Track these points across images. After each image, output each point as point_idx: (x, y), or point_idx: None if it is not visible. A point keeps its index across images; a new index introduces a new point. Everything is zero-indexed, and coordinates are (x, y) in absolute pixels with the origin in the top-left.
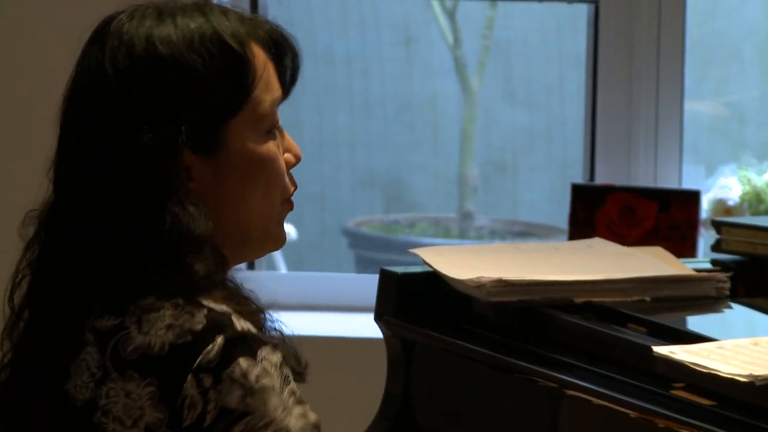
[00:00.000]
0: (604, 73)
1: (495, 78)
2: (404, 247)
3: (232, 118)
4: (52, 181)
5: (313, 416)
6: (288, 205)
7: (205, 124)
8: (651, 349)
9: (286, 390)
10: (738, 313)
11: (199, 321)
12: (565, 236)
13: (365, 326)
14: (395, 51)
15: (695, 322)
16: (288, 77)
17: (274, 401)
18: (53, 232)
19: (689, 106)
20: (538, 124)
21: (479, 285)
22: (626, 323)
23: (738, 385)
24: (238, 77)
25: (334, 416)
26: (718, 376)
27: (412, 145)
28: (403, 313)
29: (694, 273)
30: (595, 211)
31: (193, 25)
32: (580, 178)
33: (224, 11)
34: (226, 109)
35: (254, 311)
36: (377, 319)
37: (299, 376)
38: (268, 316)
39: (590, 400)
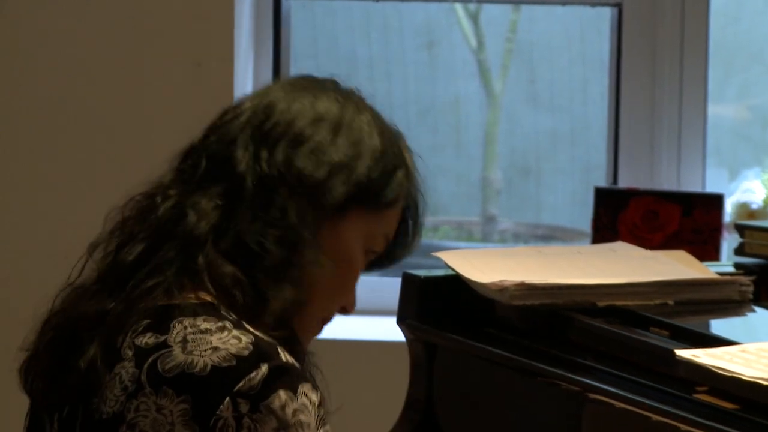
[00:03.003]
0: (627, 76)
1: (518, 81)
2: (427, 251)
3: (363, 206)
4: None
5: None
6: (323, 325)
7: (345, 193)
8: (674, 353)
9: (322, 430)
10: (761, 316)
11: (245, 347)
12: (588, 240)
13: (388, 329)
14: (418, 54)
15: (718, 326)
16: (402, 235)
17: None
18: (161, 195)
19: (712, 109)
20: (562, 128)
21: (502, 288)
22: (649, 327)
23: (761, 388)
24: (388, 184)
25: (357, 419)
26: (741, 379)
27: (435, 148)
28: (425, 316)
29: (717, 276)
30: (618, 215)
31: (384, 125)
32: (603, 182)
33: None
34: (365, 193)
35: (298, 350)
36: (399, 322)
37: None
38: (309, 358)
39: (613, 404)
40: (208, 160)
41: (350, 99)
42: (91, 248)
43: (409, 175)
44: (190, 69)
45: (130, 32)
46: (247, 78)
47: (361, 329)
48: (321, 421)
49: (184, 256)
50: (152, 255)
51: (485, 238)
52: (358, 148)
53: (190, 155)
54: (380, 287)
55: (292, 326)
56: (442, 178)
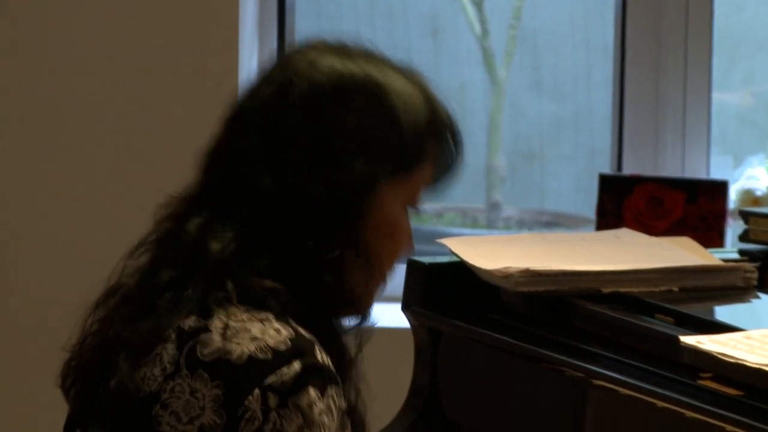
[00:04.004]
0: (631, 62)
1: (522, 68)
2: (432, 237)
3: (398, 175)
4: (206, 173)
5: None
6: (385, 282)
7: (370, 174)
8: (678, 339)
9: None
10: (765, 303)
11: (283, 341)
12: (593, 226)
13: (392, 316)
14: (422, 42)
15: (723, 312)
16: (440, 174)
17: None
18: (191, 221)
19: (717, 96)
20: (566, 114)
21: (507, 275)
22: (654, 313)
23: (765, 375)
24: (422, 145)
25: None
26: (746, 366)
27: None
28: (430, 303)
29: (721, 263)
30: (623, 202)
31: (404, 79)
32: (607, 169)
33: (427, 85)
34: (399, 165)
35: (340, 352)
36: (404, 308)
37: (355, 428)
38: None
39: (617, 390)
40: (226, 176)
41: (366, 60)
42: (131, 253)
43: (438, 121)
44: (195, 57)
45: (134, 20)
46: (251, 66)
47: None
48: (343, 426)
49: (212, 282)
50: (182, 280)
51: (490, 225)
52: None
53: (213, 166)
54: None
55: (336, 324)
56: None
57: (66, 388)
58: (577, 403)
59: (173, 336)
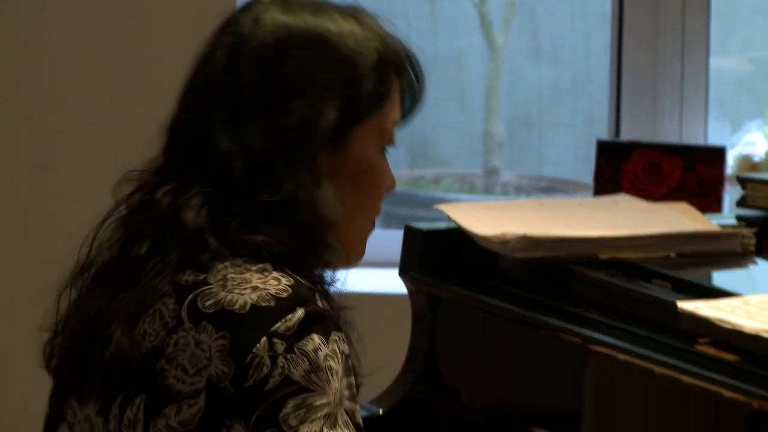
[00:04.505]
0: (629, 29)
1: (520, 34)
2: (429, 203)
3: (363, 121)
4: (168, 144)
5: (359, 418)
6: (372, 227)
7: (340, 120)
8: (676, 305)
9: (346, 381)
10: (763, 268)
11: (284, 289)
12: (591, 192)
13: (390, 282)
14: (421, 8)
15: (720, 278)
16: (408, 105)
17: (334, 385)
18: (160, 190)
19: (715, 62)
20: (564, 81)
21: (504, 241)
22: (651, 279)
23: (762, 340)
24: (381, 83)
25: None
26: (743, 331)
27: (438, 101)
28: (427, 269)
29: (719, 229)
30: (621, 168)
31: (351, 22)
32: (605, 135)
33: (377, 22)
34: (362, 109)
35: (333, 302)
36: (402, 274)
37: (356, 375)
38: (344, 316)
39: (615, 356)
40: (189, 144)
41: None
42: (99, 227)
43: (393, 57)
44: (191, 21)
45: (134, 20)
46: None
47: (364, 281)
48: (347, 371)
49: (195, 244)
50: (163, 248)
51: (487, 191)
52: (346, 69)
53: (174, 137)
54: (383, 239)
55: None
56: (445, 132)
57: (51, 367)
58: (575, 368)
59: (171, 291)
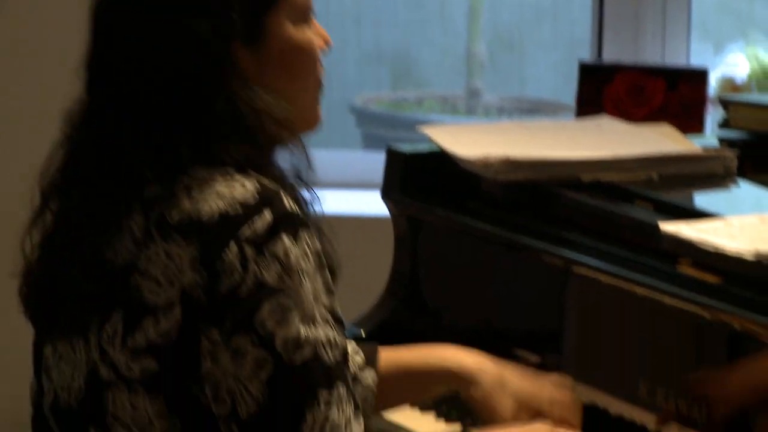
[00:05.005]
0: None
1: None
2: (411, 125)
3: (272, 8)
4: (90, 75)
5: (339, 311)
6: (320, 89)
7: (252, 14)
8: (658, 226)
9: (321, 277)
10: (745, 190)
11: (250, 193)
12: (573, 114)
13: (373, 204)
14: None
15: (702, 200)
16: None
17: (307, 285)
18: (96, 120)
19: None
20: (545, 1)
21: (487, 164)
22: (633, 200)
23: (743, 261)
24: None
25: (341, 294)
26: (725, 252)
27: (420, 21)
28: (410, 191)
29: (701, 150)
30: (603, 90)
31: None
32: (587, 56)
33: None
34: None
35: (299, 198)
36: (384, 197)
37: (333, 273)
38: (312, 207)
39: (597, 278)
40: (109, 79)
41: None
42: (42, 173)
43: None
44: None
45: None
46: None
47: (346, 204)
48: (320, 268)
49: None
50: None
51: (469, 112)
52: None
53: (93, 80)
54: (365, 161)
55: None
56: (427, 51)
57: (29, 312)
58: (558, 290)
59: (138, 207)
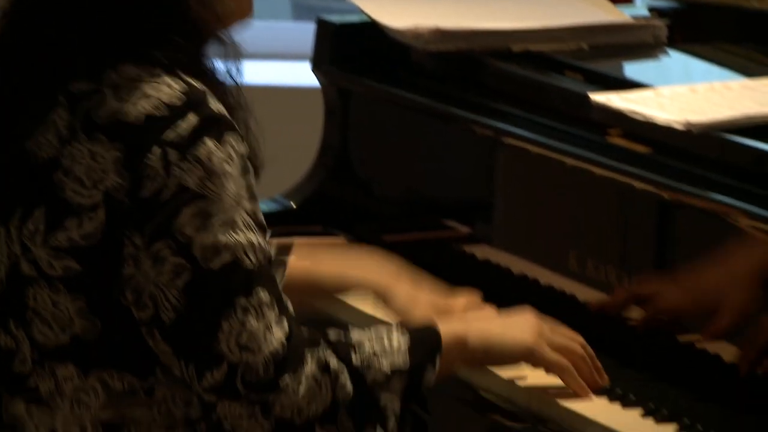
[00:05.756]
0: None
1: None
2: None
3: None
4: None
5: (261, 216)
6: None
7: None
8: (588, 97)
9: (244, 182)
10: (674, 60)
11: (176, 95)
12: None
13: (303, 75)
14: None
15: (632, 70)
16: None
17: (231, 189)
18: (25, 11)
19: None
20: None
21: (417, 34)
22: (563, 71)
23: (674, 132)
24: None
25: (271, 165)
26: (655, 123)
27: None
28: (340, 62)
29: (631, 20)
30: None
31: None
32: None
33: None
34: None
35: (228, 98)
36: (314, 68)
37: (255, 171)
38: (241, 105)
39: (527, 148)
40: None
41: None
42: None
43: None
44: None
45: None
46: None
47: (276, 75)
48: (244, 172)
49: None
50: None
51: None
52: None
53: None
54: (295, 32)
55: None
56: None
57: None
58: (487, 161)
59: (63, 101)
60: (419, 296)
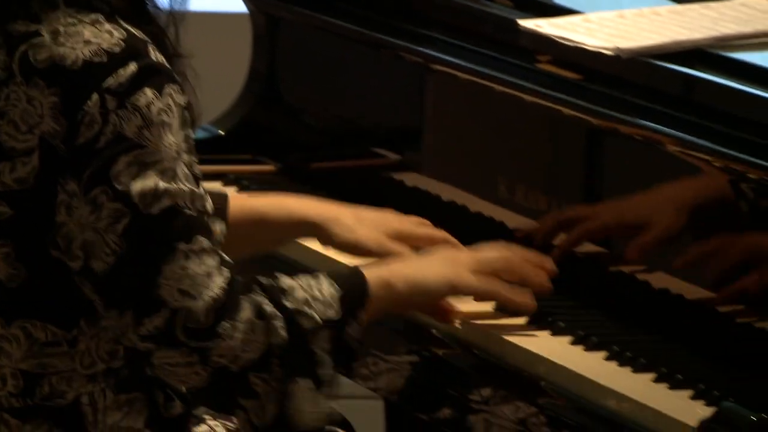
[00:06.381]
0: None
1: None
2: None
3: None
4: None
5: (197, 169)
6: None
7: None
8: (516, 23)
9: (183, 133)
10: None
11: (117, 43)
12: None
13: (232, 0)
14: None
15: None
16: None
17: (169, 139)
18: None
19: None
20: None
21: None
22: None
23: (604, 58)
24: None
25: (201, 92)
26: (585, 49)
27: None
28: None
29: None
30: None
31: None
32: None
33: None
34: None
35: (167, 45)
36: None
37: (193, 123)
38: (181, 55)
39: (456, 75)
40: None
41: None
42: None
43: None
44: None
45: None
46: None
47: (205, 0)
48: (183, 124)
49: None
50: None
51: None
52: None
53: None
54: None
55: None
56: None
57: None
58: (416, 88)
59: (1, 41)
60: (363, 216)
